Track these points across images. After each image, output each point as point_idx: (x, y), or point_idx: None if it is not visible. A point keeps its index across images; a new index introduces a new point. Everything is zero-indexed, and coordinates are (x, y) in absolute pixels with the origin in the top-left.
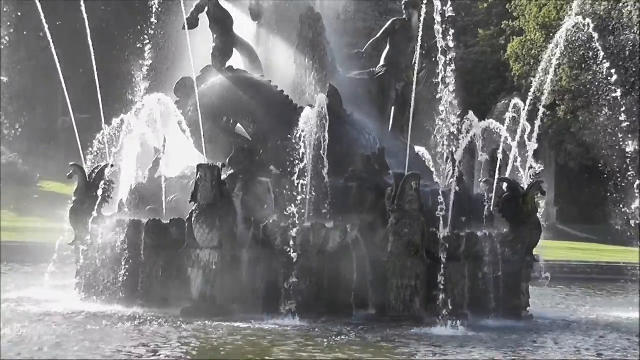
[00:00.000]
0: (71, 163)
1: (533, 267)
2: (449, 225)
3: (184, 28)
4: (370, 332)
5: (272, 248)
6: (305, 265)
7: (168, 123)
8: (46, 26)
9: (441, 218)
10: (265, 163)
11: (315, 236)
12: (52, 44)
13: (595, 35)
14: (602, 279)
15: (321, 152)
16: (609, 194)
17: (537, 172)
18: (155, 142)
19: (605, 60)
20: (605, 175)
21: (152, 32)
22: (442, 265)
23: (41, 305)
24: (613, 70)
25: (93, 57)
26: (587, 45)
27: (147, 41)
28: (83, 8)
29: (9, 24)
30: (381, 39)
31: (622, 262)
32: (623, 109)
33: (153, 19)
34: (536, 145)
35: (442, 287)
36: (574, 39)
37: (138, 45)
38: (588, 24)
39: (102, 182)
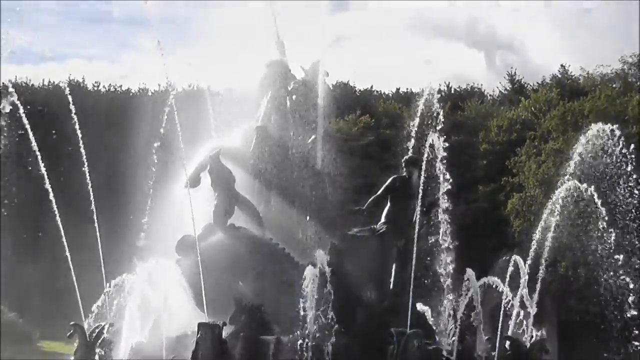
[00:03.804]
0: (72, 322)
1: None
2: None
3: (186, 186)
4: None
5: None
6: None
7: (168, 282)
8: (50, 190)
9: None
10: (266, 321)
11: None
12: (54, 205)
13: (595, 195)
14: None
15: (326, 309)
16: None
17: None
18: (156, 301)
19: (605, 220)
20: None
21: (152, 189)
22: None
23: None
24: (613, 233)
25: (95, 216)
26: (587, 204)
27: (149, 201)
28: (85, 167)
29: (7, 178)
30: (382, 196)
31: None
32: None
33: (153, 178)
34: (535, 310)
35: None
36: (573, 196)
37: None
38: (583, 187)
39: (103, 342)
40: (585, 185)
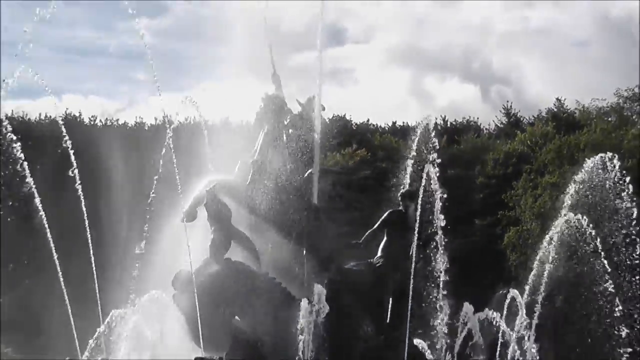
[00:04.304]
0: (67, 358)
1: None
2: None
3: (182, 221)
4: None
5: None
6: None
7: (165, 316)
8: (46, 226)
9: None
10: (263, 356)
11: None
12: (49, 236)
13: (590, 230)
14: None
15: (320, 343)
16: None
17: None
18: (152, 335)
19: (600, 253)
20: None
21: (149, 222)
22: None
23: None
24: (606, 262)
25: (91, 248)
26: (582, 237)
27: (145, 232)
28: (82, 200)
29: (9, 219)
30: (378, 230)
31: None
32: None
33: (150, 211)
34: (532, 344)
35: None
36: (569, 230)
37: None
38: (580, 220)
39: None
40: (580, 216)
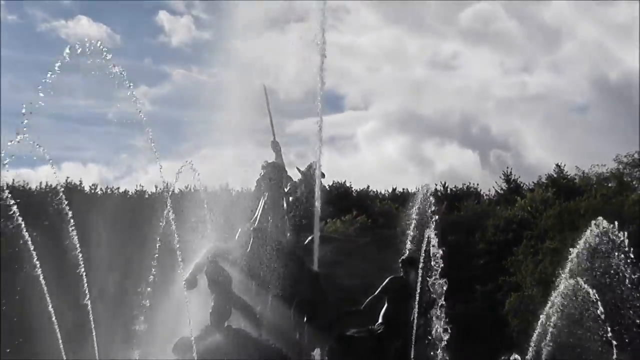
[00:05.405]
0: None
1: None
2: None
3: (183, 288)
4: None
5: None
6: None
7: None
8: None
9: None
10: None
11: None
12: (50, 308)
13: (592, 292)
14: None
15: None
16: None
17: None
18: None
19: (602, 316)
20: None
21: (150, 290)
22: None
23: None
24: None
25: (92, 321)
26: (585, 302)
27: (147, 302)
28: (82, 270)
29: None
30: (379, 297)
31: None
32: None
33: (151, 278)
34: None
35: None
36: (571, 294)
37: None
38: (582, 285)
39: None
40: (581, 279)
